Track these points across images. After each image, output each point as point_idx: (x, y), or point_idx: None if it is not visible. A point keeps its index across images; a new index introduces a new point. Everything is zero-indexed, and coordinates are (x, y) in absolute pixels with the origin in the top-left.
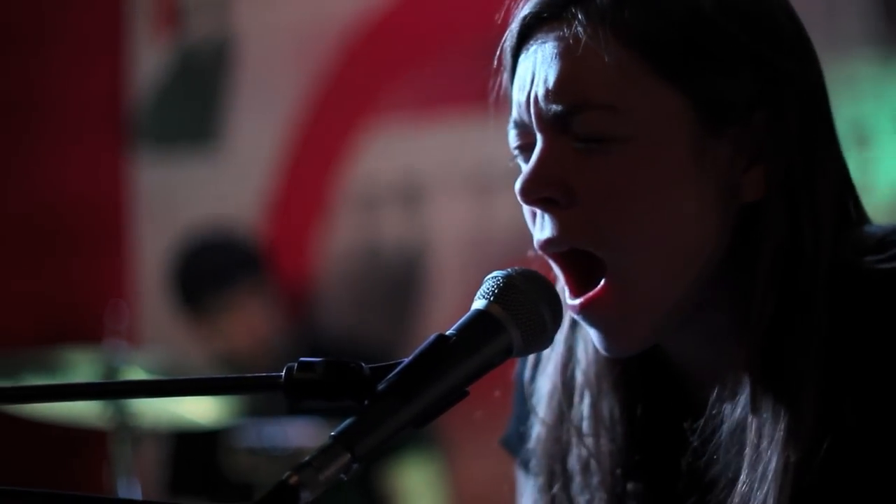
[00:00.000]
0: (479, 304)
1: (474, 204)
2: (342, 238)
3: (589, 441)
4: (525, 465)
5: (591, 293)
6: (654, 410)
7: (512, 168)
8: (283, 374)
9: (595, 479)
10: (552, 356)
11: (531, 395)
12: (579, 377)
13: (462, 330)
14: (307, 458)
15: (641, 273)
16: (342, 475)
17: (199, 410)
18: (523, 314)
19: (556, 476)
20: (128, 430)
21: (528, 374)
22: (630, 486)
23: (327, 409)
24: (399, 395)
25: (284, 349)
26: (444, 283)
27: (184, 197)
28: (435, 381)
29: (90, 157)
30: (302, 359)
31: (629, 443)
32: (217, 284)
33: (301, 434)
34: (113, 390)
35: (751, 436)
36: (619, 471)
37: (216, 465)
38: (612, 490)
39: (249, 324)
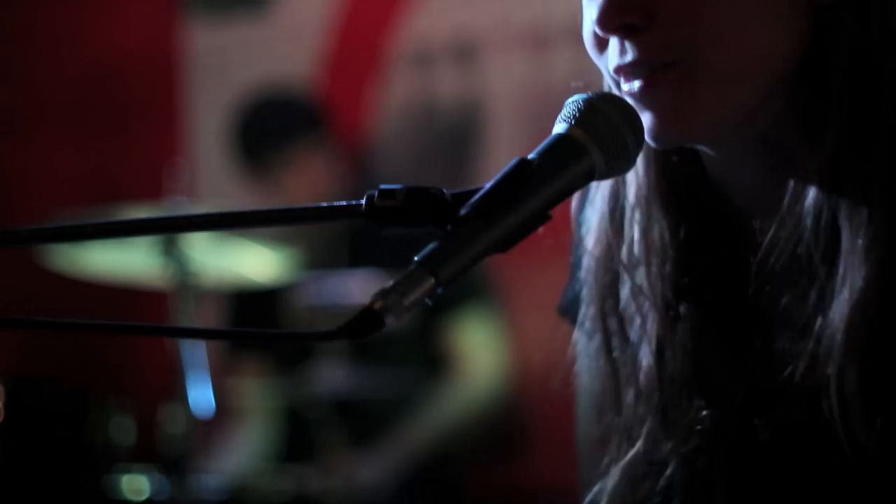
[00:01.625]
0: (560, 127)
1: (529, 59)
2: (398, 95)
3: (639, 266)
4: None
5: (655, 75)
6: (704, 237)
7: (566, 22)
8: (363, 201)
9: (646, 304)
10: (600, 186)
11: (579, 227)
12: (629, 200)
13: (544, 154)
14: (391, 283)
15: (710, 68)
16: (427, 299)
17: (260, 268)
18: (606, 137)
19: (607, 305)
20: (189, 289)
21: (574, 206)
22: (682, 308)
23: (400, 251)
24: (482, 218)
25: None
26: (499, 138)
27: (238, 59)
28: (517, 205)
29: (145, 19)
30: (382, 186)
31: (680, 267)
32: (278, 141)
33: (361, 288)
34: (183, 225)
35: (816, 263)
36: (670, 294)
37: (277, 322)
38: (665, 313)
39: (310, 180)
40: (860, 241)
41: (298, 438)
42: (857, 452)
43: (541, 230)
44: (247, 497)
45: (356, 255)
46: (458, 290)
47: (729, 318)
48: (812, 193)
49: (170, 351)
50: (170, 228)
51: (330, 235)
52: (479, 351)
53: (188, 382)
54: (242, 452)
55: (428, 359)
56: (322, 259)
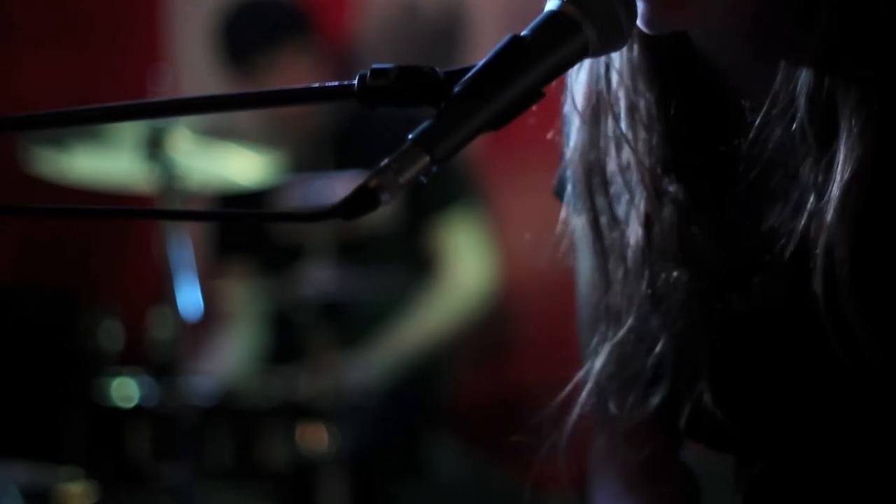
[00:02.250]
0: (552, 4)
1: None
2: None
3: (626, 141)
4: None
5: None
6: (692, 114)
7: None
8: (355, 81)
9: (634, 179)
10: (585, 63)
11: (565, 103)
12: (615, 79)
13: (536, 30)
14: (386, 161)
15: None
16: (421, 177)
17: (245, 171)
18: (598, 13)
19: (594, 182)
20: (175, 193)
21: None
22: (670, 183)
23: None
24: (476, 95)
25: (330, 108)
26: (483, 36)
27: None
28: (511, 81)
29: None
30: (375, 65)
31: (668, 141)
32: (263, 44)
33: (344, 193)
34: (172, 108)
35: (810, 142)
36: (658, 168)
37: (262, 226)
38: (653, 187)
39: (295, 83)
40: (855, 121)
41: (286, 341)
42: (838, 330)
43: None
44: (235, 401)
45: (341, 158)
46: (445, 192)
47: (717, 196)
48: (805, 73)
49: (157, 255)
50: (158, 112)
51: (315, 138)
52: (466, 253)
53: (176, 286)
54: (231, 356)
55: (415, 261)
56: (307, 162)
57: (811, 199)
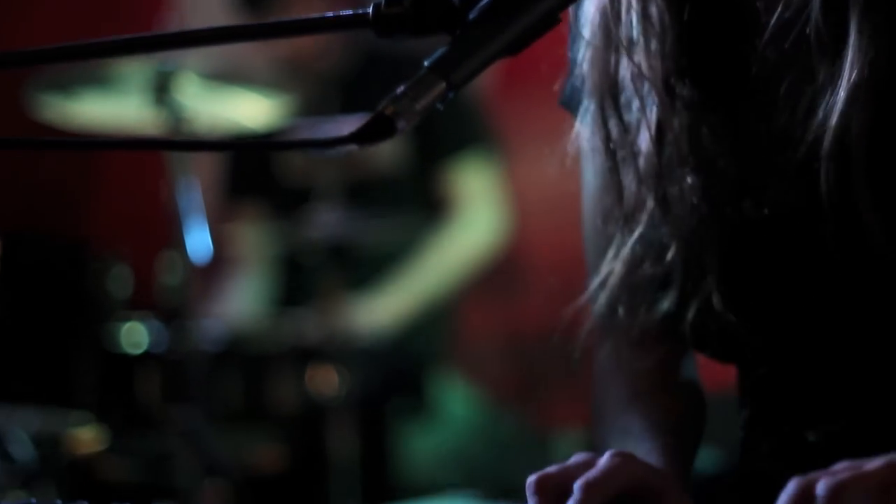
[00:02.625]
0: None
1: None
2: None
3: (638, 47)
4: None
5: None
6: (704, 18)
7: None
8: (370, 10)
9: (646, 86)
10: None
11: (576, 20)
12: None
13: None
14: (402, 88)
15: None
16: (438, 104)
17: (253, 114)
18: None
19: (605, 91)
20: (183, 136)
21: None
22: (682, 89)
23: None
24: (491, 21)
25: (339, 51)
26: None
27: None
28: (527, 7)
29: None
30: None
31: (680, 47)
32: None
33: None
34: (185, 40)
35: (826, 43)
36: (671, 73)
37: (271, 169)
38: (665, 92)
39: None
40: (867, 23)
41: (295, 284)
42: (843, 234)
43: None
44: (245, 344)
45: (349, 102)
46: (458, 136)
47: (730, 99)
48: None
49: (165, 200)
50: (167, 45)
51: (323, 81)
52: (478, 197)
53: (184, 230)
54: (240, 299)
55: (426, 205)
56: (315, 105)
57: (824, 101)
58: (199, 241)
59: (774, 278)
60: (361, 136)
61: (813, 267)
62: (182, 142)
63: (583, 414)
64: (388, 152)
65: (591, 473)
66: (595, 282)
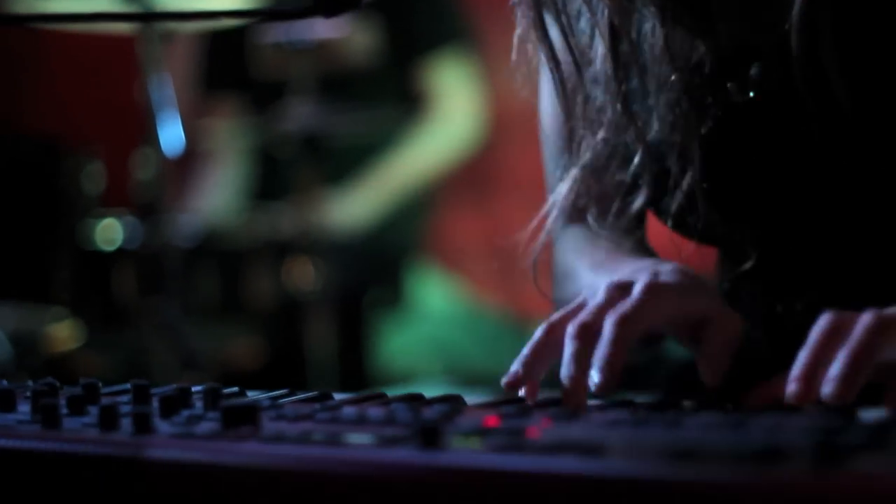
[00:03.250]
0: None
1: None
2: None
3: None
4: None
5: None
6: None
7: None
8: None
9: None
10: None
11: None
12: None
13: None
14: None
15: None
16: None
17: (226, 5)
18: None
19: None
20: (155, 32)
21: None
22: None
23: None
24: None
25: None
26: None
27: None
28: None
29: None
30: None
31: None
32: None
33: (326, 25)
34: None
35: None
36: None
37: (244, 60)
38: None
39: None
40: None
41: (271, 179)
42: (820, 112)
43: None
44: (221, 239)
45: None
46: (436, 31)
47: None
48: None
49: (138, 94)
50: None
51: None
52: (455, 91)
53: (158, 125)
54: (216, 194)
55: (403, 99)
56: None
57: None
58: (172, 136)
59: (759, 165)
60: (327, 6)
61: (793, 148)
62: (153, 14)
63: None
64: (363, 46)
65: (601, 351)
66: (556, 191)
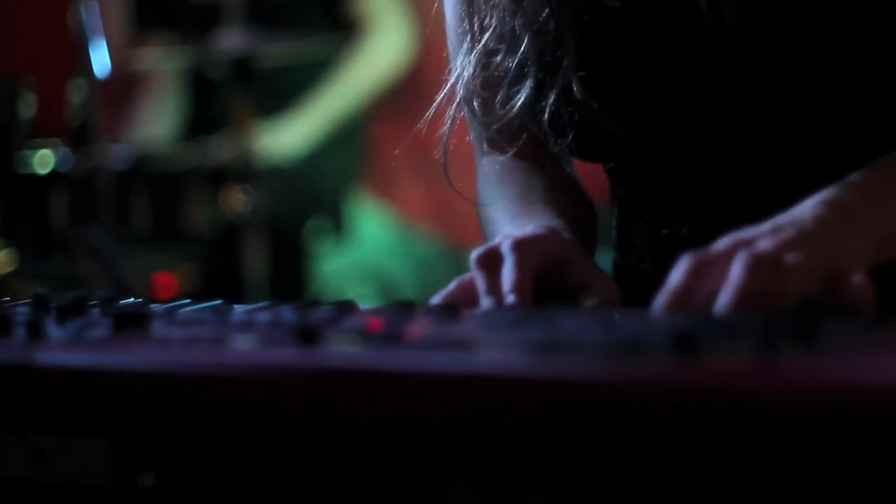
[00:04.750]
0: None
1: None
2: None
3: None
4: None
5: None
6: None
7: None
8: None
9: None
10: None
11: None
12: None
13: None
14: None
15: None
16: None
17: None
18: None
19: None
20: None
21: None
22: None
23: None
24: None
25: None
26: None
27: None
28: None
29: None
30: None
31: None
32: None
33: None
34: None
35: None
36: None
37: None
38: None
39: None
40: None
41: (206, 106)
42: (692, 18)
43: None
44: (155, 165)
45: None
46: None
47: None
48: None
49: (69, 23)
50: None
51: None
52: (386, 15)
53: (90, 51)
54: (150, 120)
55: (335, 24)
56: None
57: None
58: (102, 63)
59: (633, 63)
60: None
61: (669, 53)
62: None
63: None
64: None
65: (507, 276)
66: (452, 78)
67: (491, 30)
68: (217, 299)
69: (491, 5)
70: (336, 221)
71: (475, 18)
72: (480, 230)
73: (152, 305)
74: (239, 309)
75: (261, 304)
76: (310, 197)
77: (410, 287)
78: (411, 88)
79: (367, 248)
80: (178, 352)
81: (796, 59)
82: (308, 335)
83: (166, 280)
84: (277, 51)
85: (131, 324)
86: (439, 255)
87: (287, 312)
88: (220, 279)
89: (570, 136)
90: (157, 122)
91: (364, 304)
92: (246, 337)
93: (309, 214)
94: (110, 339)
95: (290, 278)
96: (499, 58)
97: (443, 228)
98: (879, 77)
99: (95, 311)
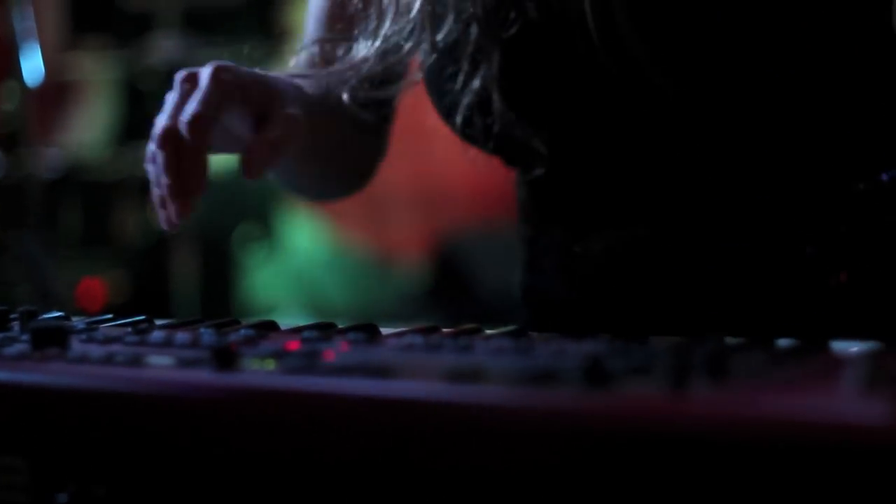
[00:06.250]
0: None
1: None
2: None
3: None
4: None
5: None
6: None
7: None
8: None
9: None
10: None
11: None
12: None
13: None
14: None
15: None
16: None
17: None
18: None
19: None
20: None
21: None
22: None
23: None
24: None
25: None
26: None
27: None
28: None
29: None
30: None
31: None
32: None
33: None
34: None
35: None
36: None
37: None
38: None
39: None
40: None
41: (138, 113)
42: (609, 41)
43: None
44: (87, 173)
45: None
46: None
47: None
48: None
49: (3, 27)
50: None
51: None
52: None
53: (22, 56)
54: (82, 127)
55: (267, 34)
56: None
57: None
58: (35, 69)
59: (552, 78)
60: None
61: (586, 70)
62: None
63: (422, 241)
64: None
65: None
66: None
67: (390, 19)
68: (142, 313)
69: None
70: (266, 230)
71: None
72: (412, 240)
73: (73, 321)
74: (160, 326)
75: (183, 321)
76: (240, 205)
77: (340, 298)
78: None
79: (298, 258)
80: (94, 370)
81: (703, 80)
82: (223, 357)
83: (95, 287)
84: (210, 57)
85: (50, 341)
86: (370, 265)
87: (206, 333)
88: (150, 287)
89: (484, 142)
90: (89, 129)
91: (287, 322)
92: (161, 357)
93: (239, 223)
94: (28, 356)
95: (219, 287)
96: (404, 51)
97: (374, 238)
98: (794, 98)
99: (16, 325)
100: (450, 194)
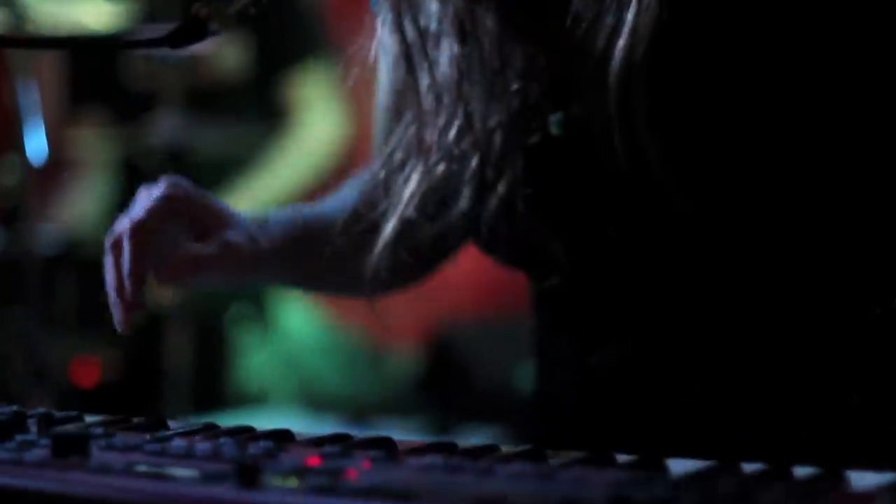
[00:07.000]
0: None
1: None
2: None
3: None
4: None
5: None
6: None
7: None
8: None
9: None
10: None
11: None
12: None
13: None
14: None
15: None
16: (251, 7)
17: (97, 15)
18: None
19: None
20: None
21: None
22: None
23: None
24: None
25: None
26: None
27: None
28: None
29: None
30: None
31: None
32: None
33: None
34: None
35: None
36: None
37: (114, 73)
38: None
39: None
40: None
41: (136, 190)
42: (632, 156)
43: None
44: (83, 249)
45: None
46: (299, 45)
47: (538, 4)
48: None
49: (6, 100)
50: None
51: None
52: (318, 103)
53: (24, 131)
54: (80, 204)
55: (268, 112)
56: (158, 10)
57: (628, 17)
58: (37, 144)
59: (574, 188)
60: (174, 39)
61: (608, 184)
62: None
63: (417, 329)
64: (230, 59)
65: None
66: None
67: (437, 144)
68: (136, 391)
69: (440, 119)
70: (262, 312)
71: (420, 133)
72: (408, 326)
73: (88, 425)
74: (177, 433)
75: (198, 427)
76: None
77: (332, 385)
78: (343, 175)
79: (290, 342)
80: (117, 481)
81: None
82: (247, 473)
83: (89, 365)
84: (211, 137)
85: (72, 449)
86: (361, 353)
87: (227, 445)
88: (141, 366)
89: (506, 250)
90: (86, 205)
91: (280, 410)
92: (184, 469)
93: (234, 305)
94: (50, 464)
95: (210, 368)
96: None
97: (367, 326)
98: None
99: (32, 427)
100: (450, 282)
